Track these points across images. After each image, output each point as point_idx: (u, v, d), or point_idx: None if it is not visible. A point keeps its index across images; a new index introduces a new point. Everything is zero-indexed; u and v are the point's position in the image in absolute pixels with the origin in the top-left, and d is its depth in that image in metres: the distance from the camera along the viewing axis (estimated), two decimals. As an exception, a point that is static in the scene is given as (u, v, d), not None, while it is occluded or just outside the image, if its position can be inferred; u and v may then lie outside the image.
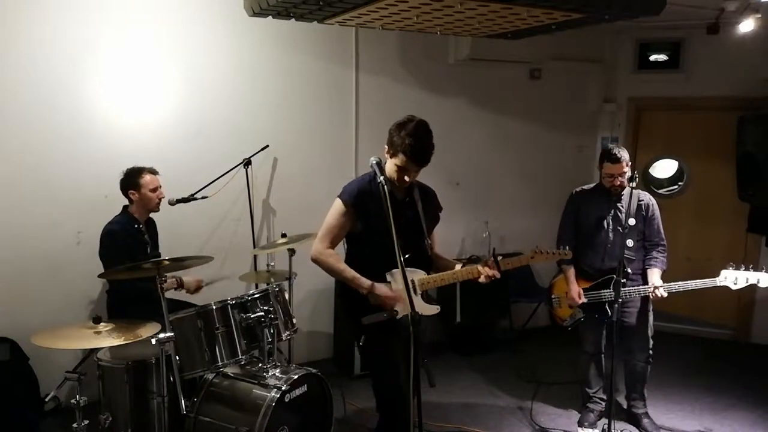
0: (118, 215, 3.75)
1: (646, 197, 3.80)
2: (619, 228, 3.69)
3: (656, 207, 3.80)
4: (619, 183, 3.68)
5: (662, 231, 3.79)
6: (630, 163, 3.71)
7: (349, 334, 2.91)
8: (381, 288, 2.80)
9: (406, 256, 2.75)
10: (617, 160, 3.64)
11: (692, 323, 5.90)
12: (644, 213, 3.75)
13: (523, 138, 5.90)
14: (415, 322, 2.39)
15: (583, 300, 3.79)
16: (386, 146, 2.82)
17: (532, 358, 5.27)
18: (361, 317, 2.77)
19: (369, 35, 4.93)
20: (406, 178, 2.80)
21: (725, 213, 5.75)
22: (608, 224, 3.75)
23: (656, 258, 3.74)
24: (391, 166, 2.81)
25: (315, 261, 2.90)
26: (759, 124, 5.09)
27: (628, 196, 3.70)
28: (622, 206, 3.74)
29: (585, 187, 3.96)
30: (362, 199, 2.84)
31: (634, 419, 4.00)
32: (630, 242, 3.69)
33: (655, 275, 3.67)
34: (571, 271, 3.89)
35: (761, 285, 3.45)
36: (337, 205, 2.89)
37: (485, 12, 3.46)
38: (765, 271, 3.43)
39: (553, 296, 4.04)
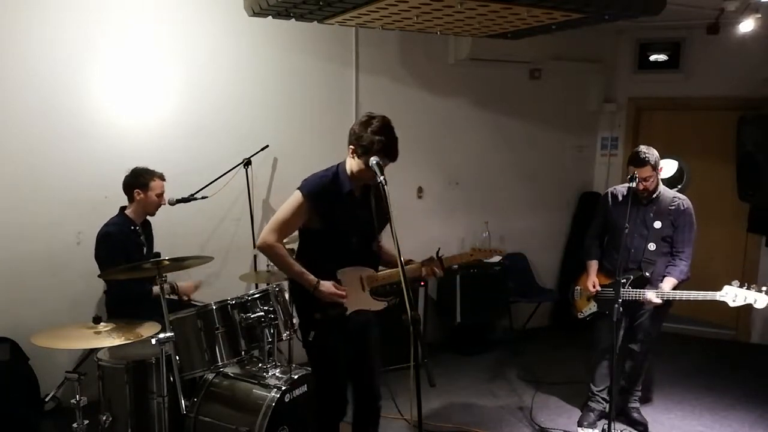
0: (114, 217, 3.74)
1: (680, 201, 3.71)
2: (645, 230, 3.70)
3: (691, 214, 3.70)
4: (643, 187, 3.63)
5: (691, 241, 3.71)
6: (661, 167, 3.66)
7: (301, 330, 2.98)
8: (325, 285, 2.80)
9: (365, 248, 2.91)
10: (641, 163, 3.57)
11: (693, 323, 5.91)
12: (674, 218, 3.69)
13: (523, 138, 5.90)
14: (415, 321, 2.39)
15: (598, 289, 3.83)
16: (351, 147, 2.80)
17: (532, 358, 5.26)
18: (313, 313, 2.84)
19: (369, 35, 4.93)
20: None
21: (725, 213, 5.75)
22: (634, 226, 3.71)
23: (675, 266, 3.68)
24: (358, 165, 2.79)
25: (262, 251, 2.89)
26: (759, 124, 5.09)
27: (662, 198, 3.70)
28: (651, 209, 3.71)
29: (618, 186, 3.92)
30: (323, 196, 2.86)
31: (624, 412, 4.02)
32: (652, 246, 3.69)
33: (666, 283, 3.63)
34: (593, 265, 3.93)
35: (757, 306, 3.42)
36: (296, 198, 2.87)
37: (485, 12, 3.45)
38: (764, 293, 3.40)
39: (576, 288, 4.06)
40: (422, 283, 4.97)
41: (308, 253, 2.94)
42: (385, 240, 2.99)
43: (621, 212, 3.64)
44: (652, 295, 3.58)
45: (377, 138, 2.69)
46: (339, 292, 2.82)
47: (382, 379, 3.17)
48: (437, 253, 2.96)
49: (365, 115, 2.80)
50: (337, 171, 2.90)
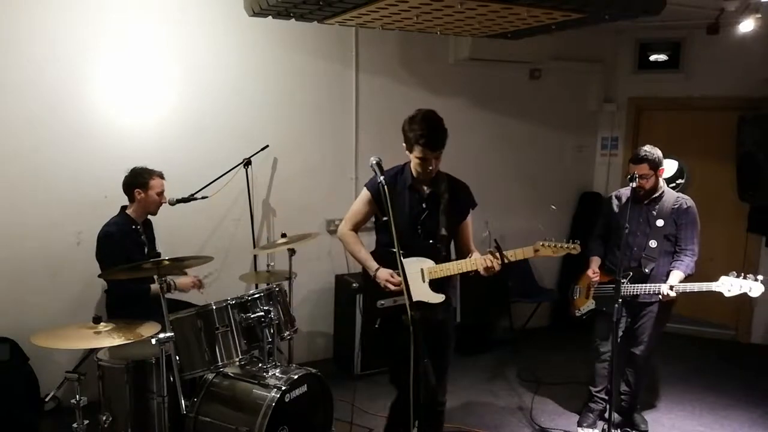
0: (115, 216, 3.74)
1: (683, 201, 3.71)
2: (648, 228, 3.70)
3: (693, 213, 3.70)
4: (638, 185, 3.63)
5: (695, 239, 3.70)
6: (662, 167, 3.65)
7: (370, 317, 3.15)
8: (382, 272, 2.97)
9: (430, 241, 2.96)
10: (638, 161, 3.59)
11: (693, 323, 5.90)
12: (676, 217, 3.68)
13: (523, 138, 5.90)
14: (414, 321, 2.45)
15: (597, 278, 3.83)
16: (404, 145, 2.93)
17: (532, 358, 5.27)
18: (377, 300, 2.97)
19: (369, 35, 4.93)
20: (430, 168, 2.91)
21: (725, 213, 5.75)
22: (637, 225, 3.72)
23: (681, 261, 3.66)
24: (413, 161, 2.94)
25: (339, 239, 3.20)
26: (759, 124, 5.09)
27: (665, 199, 3.69)
28: (654, 208, 3.71)
29: (622, 190, 3.92)
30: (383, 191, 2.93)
31: (624, 413, 4.00)
32: (653, 243, 3.69)
33: (673, 276, 3.61)
34: (595, 259, 3.94)
35: (752, 294, 3.44)
36: (363, 193, 3.11)
37: (485, 12, 3.46)
38: (760, 282, 3.41)
39: (576, 286, 4.06)
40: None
41: (380, 242, 3.12)
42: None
43: (624, 214, 3.64)
44: (665, 288, 3.55)
45: (417, 130, 2.81)
46: (391, 279, 2.93)
47: (445, 379, 3.17)
48: (495, 246, 2.85)
49: (415, 111, 2.91)
50: (405, 166, 3.03)
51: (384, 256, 3.01)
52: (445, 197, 3.01)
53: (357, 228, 3.16)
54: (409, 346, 2.92)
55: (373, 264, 3.02)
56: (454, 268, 2.95)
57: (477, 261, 2.91)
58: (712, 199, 5.69)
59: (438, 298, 2.99)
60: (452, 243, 3.15)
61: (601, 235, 4.00)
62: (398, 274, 2.89)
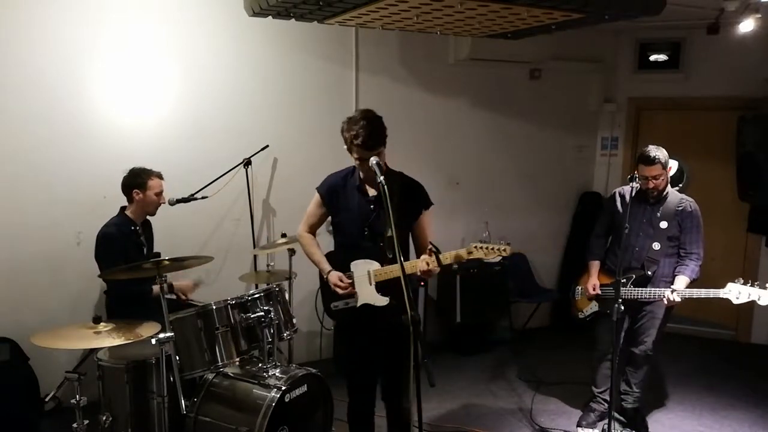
0: (114, 217, 3.73)
1: (687, 203, 3.70)
2: (651, 230, 3.69)
3: (698, 216, 3.69)
4: (653, 186, 3.62)
5: (700, 242, 3.70)
6: (670, 166, 3.65)
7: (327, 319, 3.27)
8: (332, 275, 2.98)
9: (379, 243, 2.91)
10: (650, 162, 3.57)
11: (693, 323, 5.91)
12: (680, 219, 3.68)
13: (523, 138, 5.90)
14: (416, 322, 2.42)
15: (597, 292, 3.83)
16: (344, 147, 2.90)
17: (532, 358, 5.26)
18: (331, 303, 3.02)
19: (369, 35, 4.93)
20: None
21: (725, 213, 5.75)
22: (640, 225, 3.71)
23: (686, 266, 3.65)
24: (355, 162, 2.92)
25: (296, 239, 3.24)
26: (759, 124, 5.10)
27: (670, 199, 3.68)
28: (658, 209, 3.70)
29: (626, 187, 3.88)
30: (332, 192, 3.04)
31: (624, 413, 3.99)
32: (657, 245, 3.68)
33: (678, 281, 3.60)
34: (595, 265, 3.93)
35: (761, 303, 3.41)
36: (315, 195, 3.14)
37: (485, 12, 3.46)
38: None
39: (577, 287, 4.06)
40: (422, 284, 4.92)
41: (335, 246, 3.15)
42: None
43: (627, 211, 3.62)
44: (669, 293, 3.54)
45: (352, 131, 2.80)
46: (340, 283, 2.94)
47: (404, 378, 3.05)
48: (431, 249, 2.85)
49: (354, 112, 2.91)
50: (355, 167, 3.02)
51: (338, 256, 3.05)
52: (393, 199, 2.91)
53: (313, 230, 3.17)
54: (363, 350, 3.04)
55: (326, 266, 3.02)
56: (396, 271, 2.86)
57: (416, 264, 2.87)
58: (712, 199, 5.67)
59: (383, 301, 2.95)
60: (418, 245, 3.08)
61: (603, 233, 3.99)
62: (348, 278, 2.95)
